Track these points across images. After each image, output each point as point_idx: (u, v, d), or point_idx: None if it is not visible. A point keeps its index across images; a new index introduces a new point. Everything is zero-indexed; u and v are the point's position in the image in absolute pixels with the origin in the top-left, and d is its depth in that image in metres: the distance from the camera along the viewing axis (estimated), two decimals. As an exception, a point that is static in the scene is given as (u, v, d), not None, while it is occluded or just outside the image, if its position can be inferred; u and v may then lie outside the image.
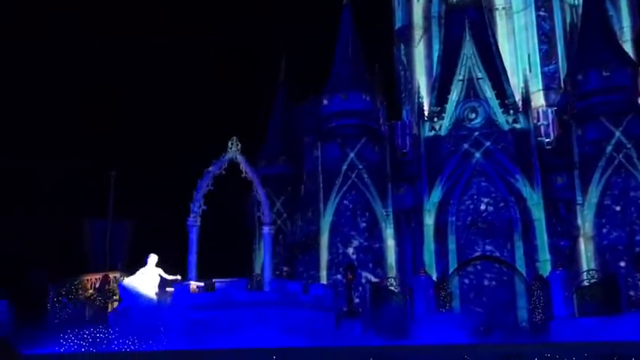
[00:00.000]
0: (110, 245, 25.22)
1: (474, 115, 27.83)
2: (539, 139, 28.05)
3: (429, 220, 26.93)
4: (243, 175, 23.18)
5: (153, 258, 21.33)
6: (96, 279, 22.87)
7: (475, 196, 26.85)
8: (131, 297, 20.14)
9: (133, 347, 17.08)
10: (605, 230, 25.91)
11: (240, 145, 23.13)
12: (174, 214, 23.62)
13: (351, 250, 27.13)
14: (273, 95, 35.44)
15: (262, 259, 25.42)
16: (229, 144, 23.01)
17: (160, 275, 21.28)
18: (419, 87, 30.06)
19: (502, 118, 27.60)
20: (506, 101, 27.93)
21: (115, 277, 22.57)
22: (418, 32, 34.38)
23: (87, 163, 40.63)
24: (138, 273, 20.99)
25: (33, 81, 46.91)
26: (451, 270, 26.19)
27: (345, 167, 27.96)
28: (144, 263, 21.02)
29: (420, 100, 29.05)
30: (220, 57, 50.46)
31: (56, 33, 47.39)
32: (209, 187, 22.67)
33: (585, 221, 26.46)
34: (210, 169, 22.70)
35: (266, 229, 23.57)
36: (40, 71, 47.51)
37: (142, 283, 20.83)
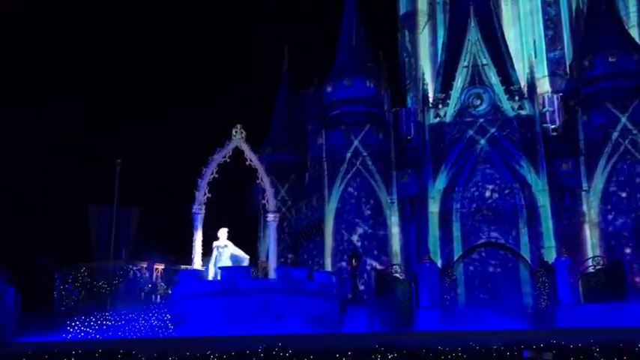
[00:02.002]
0: (116, 232, 25.19)
1: (478, 102, 27.58)
2: (544, 125, 27.83)
3: (434, 207, 26.76)
4: (247, 163, 23.06)
5: (223, 232, 21.27)
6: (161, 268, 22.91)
7: (480, 183, 26.67)
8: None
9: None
10: (610, 217, 25.71)
11: (244, 132, 22.97)
12: (179, 201, 23.54)
13: (355, 238, 27.04)
14: (278, 83, 35.23)
15: (267, 246, 25.37)
16: (234, 132, 22.84)
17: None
18: (423, 74, 29.76)
19: (507, 105, 27.35)
20: (512, 87, 27.68)
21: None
22: (423, 18, 34.04)
23: (93, 151, 40.59)
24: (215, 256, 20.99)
25: (40, 69, 46.80)
26: (456, 257, 26.06)
27: (349, 154, 27.82)
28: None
29: (425, 86, 28.79)
30: (225, 45, 50.20)
31: (63, 21, 47.20)
32: (214, 175, 22.56)
33: (591, 208, 26.26)
34: (215, 156, 22.53)
35: (271, 217, 23.46)
36: (45, 59, 47.38)
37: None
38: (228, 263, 20.60)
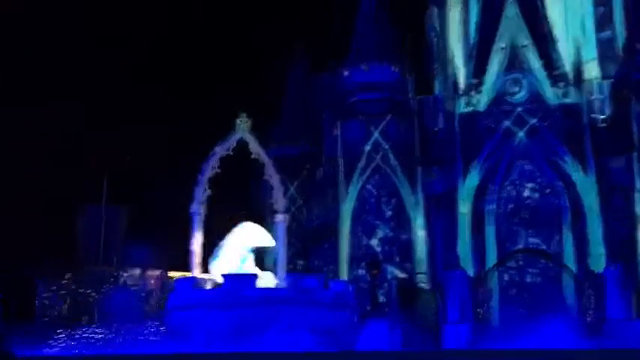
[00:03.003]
0: (105, 234, 25.29)
1: (517, 89, 26.98)
2: (592, 115, 26.78)
3: (465, 208, 26.25)
4: (252, 157, 22.97)
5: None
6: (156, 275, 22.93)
7: (517, 181, 26.15)
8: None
9: None
10: (669, 220, 25.33)
11: (249, 122, 22.85)
12: (175, 199, 23.46)
13: (375, 242, 26.63)
14: (289, 66, 35.11)
15: (274, 251, 25.32)
16: (238, 121, 22.74)
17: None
18: (454, 56, 29.26)
19: (550, 92, 26.62)
20: (555, 72, 26.84)
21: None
22: (454, -6, 33.69)
23: (84, 152, 40.84)
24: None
25: (27, 66, 47.29)
26: (489, 265, 25.65)
27: (368, 148, 27.33)
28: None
29: (455, 71, 28.33)
30: (228, 24, 50.19)
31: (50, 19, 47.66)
32: (215, 170, 22.43)
33: (645, 210, 25.84)
34: (216, 149, 22.16)
35: (280, 218, 22.97)
36: (33, 58, 47.88)
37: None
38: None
